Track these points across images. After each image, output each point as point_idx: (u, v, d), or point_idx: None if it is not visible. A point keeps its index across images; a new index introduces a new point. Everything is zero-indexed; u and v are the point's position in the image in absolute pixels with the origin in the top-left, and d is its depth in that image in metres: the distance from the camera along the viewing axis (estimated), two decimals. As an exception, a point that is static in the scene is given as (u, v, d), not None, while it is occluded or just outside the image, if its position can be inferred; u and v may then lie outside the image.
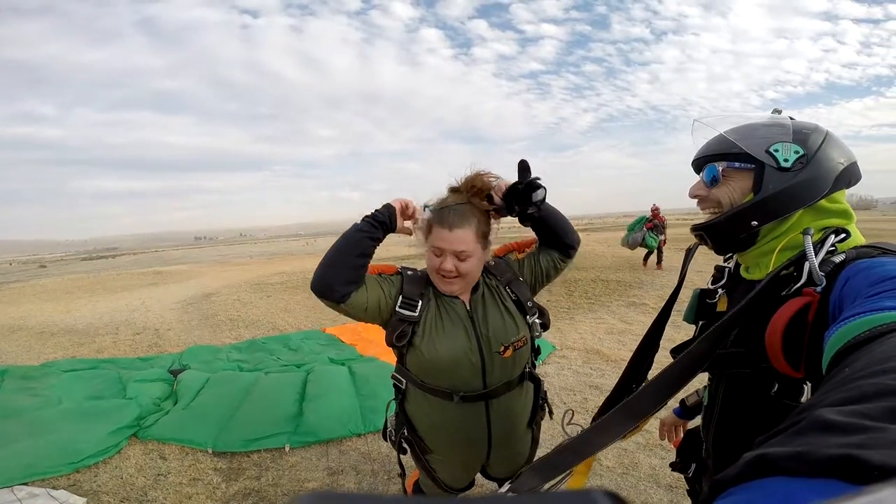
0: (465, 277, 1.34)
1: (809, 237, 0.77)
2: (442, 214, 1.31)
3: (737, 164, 0.90)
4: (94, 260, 44.94)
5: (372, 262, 1.37)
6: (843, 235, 0.81)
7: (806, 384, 0.75)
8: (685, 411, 1.38)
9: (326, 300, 1.29)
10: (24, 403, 3.70)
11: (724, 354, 0.87)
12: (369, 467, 2.52)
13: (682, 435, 1.37)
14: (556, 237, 1.46)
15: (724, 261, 1.09)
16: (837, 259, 0.74)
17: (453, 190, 1.39)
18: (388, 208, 1.34)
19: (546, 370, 4.23)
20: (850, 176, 0.86)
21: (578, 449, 0.86)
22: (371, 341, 5.32)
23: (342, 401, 3.46)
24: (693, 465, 1.18)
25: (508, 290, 1.44)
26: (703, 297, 1.07)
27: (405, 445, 1.50)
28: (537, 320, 1.45)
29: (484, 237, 1.36)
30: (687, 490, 1.25)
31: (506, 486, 0.95)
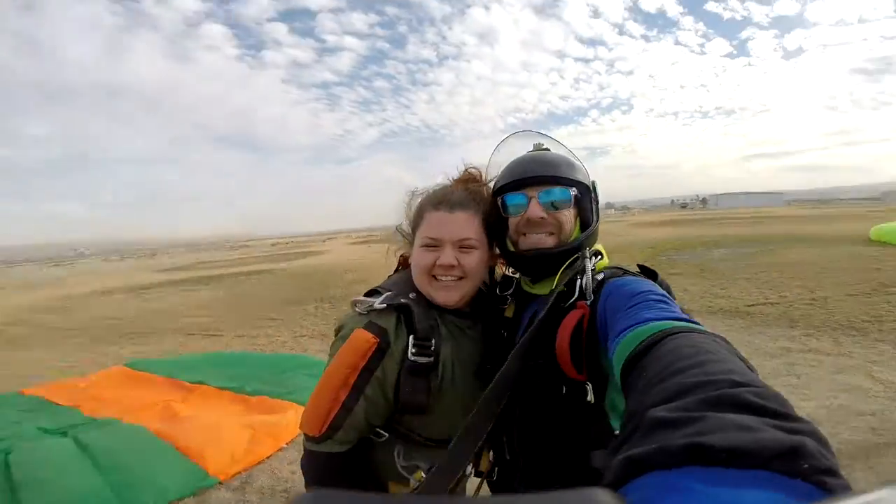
0: (467, 279, 1.00)
1: (589, 259, 0.89)
2: (438, 195, 1.03)
3: (578, 194, 0.97)
4: None
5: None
6: (599, 257, 0.95)
7: (587, 385, 0.83)
8: None
9: None
10: None
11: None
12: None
13: None
14: None
15: (512, 271, 1.11)
16: (599, 277, 0.87)
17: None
18: None
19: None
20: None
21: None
22: (103, 400, 3.93)
23: (77, 484, 2.62)
24: (496, 469, 1.10)
25: None
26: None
27: None
28: None
29: (489, 234, 1.03)
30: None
31: None
